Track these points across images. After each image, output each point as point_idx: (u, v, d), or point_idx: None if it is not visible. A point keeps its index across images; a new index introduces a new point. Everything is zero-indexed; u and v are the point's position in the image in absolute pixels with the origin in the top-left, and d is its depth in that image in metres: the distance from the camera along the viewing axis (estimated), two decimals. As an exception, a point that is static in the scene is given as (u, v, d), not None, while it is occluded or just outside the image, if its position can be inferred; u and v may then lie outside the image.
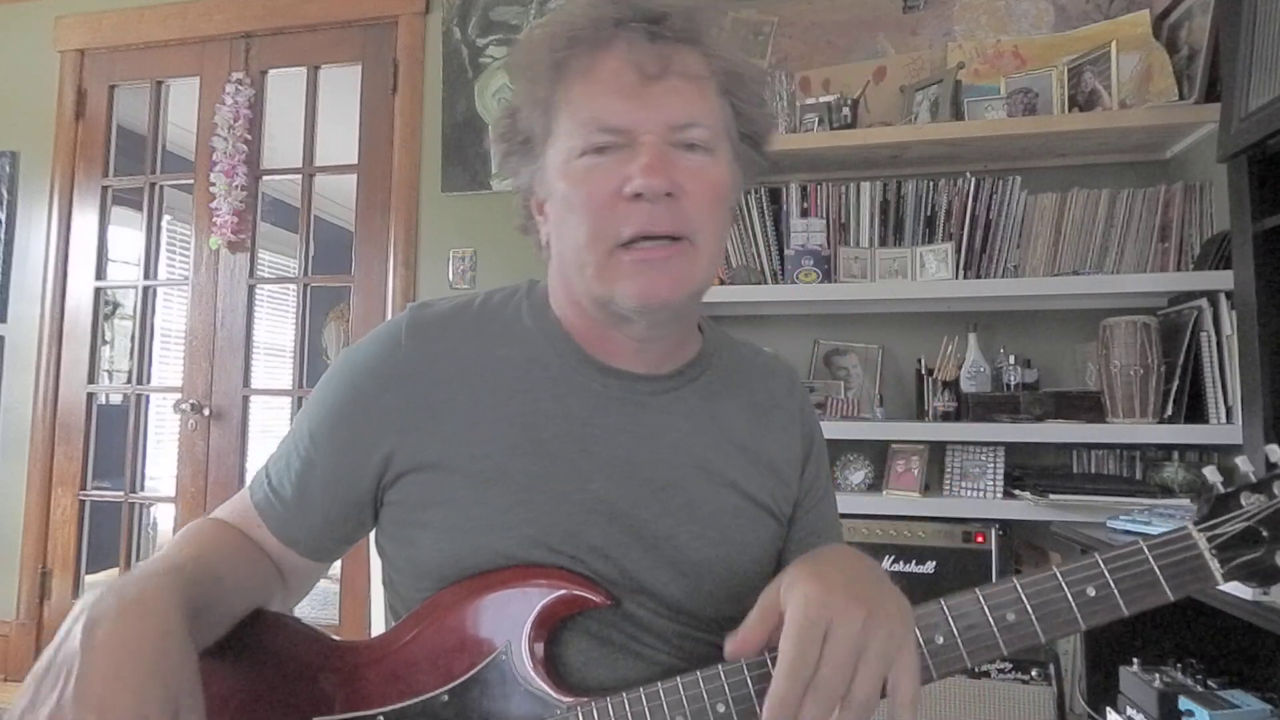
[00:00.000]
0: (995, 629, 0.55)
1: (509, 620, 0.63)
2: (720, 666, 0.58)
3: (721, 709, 0.57)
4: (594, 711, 0.59)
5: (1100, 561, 0.55)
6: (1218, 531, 0.54)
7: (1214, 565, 0.54)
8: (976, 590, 0.57)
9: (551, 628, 0.63)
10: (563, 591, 0.63)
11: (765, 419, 0.77)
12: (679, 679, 0.58)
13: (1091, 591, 0.55)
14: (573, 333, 0.72)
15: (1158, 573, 0.54)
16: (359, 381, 0.70)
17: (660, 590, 0.67)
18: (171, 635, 0.52)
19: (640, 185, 0.61)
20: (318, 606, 2.83)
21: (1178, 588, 0.54)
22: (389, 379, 0.69)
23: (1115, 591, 0.54)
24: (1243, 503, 0.54)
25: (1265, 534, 0.53)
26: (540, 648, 0.62)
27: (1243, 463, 0.57)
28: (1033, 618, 0.55)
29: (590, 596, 0.64)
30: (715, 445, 0.72)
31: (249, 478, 0.75)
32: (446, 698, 0.62)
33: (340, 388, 0.70)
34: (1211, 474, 0.59)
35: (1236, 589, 0.58)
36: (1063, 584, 0.55)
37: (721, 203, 0.67)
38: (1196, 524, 0.55)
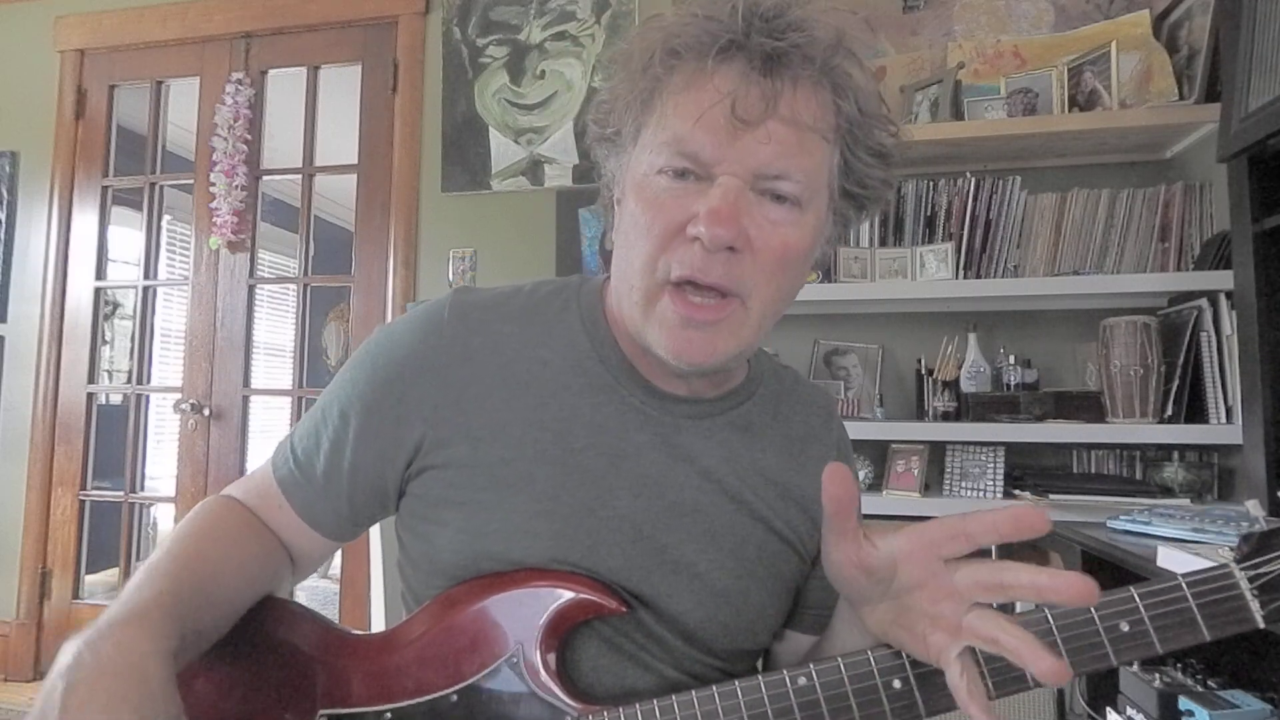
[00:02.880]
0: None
1: (521, 622, 0.61)
2: (736, 683, 0.57)
3: None
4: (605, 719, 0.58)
5: (1136, 596, 0.53)
6: (1260, 571, 0.51)
7: (1255, 606, 0.51)
8: (1003, 618, 0.54)
9: (564, 632, 0.62)
10: (577, 596, 0.62)
11: (800, 454, 0.74)
12: (694, 693, 0.57)
13: (1125, 627, 0.53)
14: (621, 342, 0.69)
15: (1195, 612, 0.52)
16: (396, 365, 0.67)
17: (676, 615, 0.66)
18: (150, 689, 0.50)
19: (701, 232, 0.57)
20: (317, 606, 2.83)
21: (1215, 628, 0.51)
22: (426, 366, 0.66)
23: (1150, 629, 0.52)
24: None
25: None
26: (552, 653, 0.61)
27: (1253, 507, 0.56)
28: (1062, 651, 0.52)
29: (605, 602, 0.62)
30: (746, 477, 0.70)
31: None
32: (455, 698, 0.61)
33: (376, 369, 0.68)
34: (1254, 508, 0.58)
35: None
36: (1095, 617, 0.53)
37: (791, 265, 0.61)
38: (1238, 562, 0.53)
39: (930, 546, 0.51)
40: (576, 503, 0.64)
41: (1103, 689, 1.38)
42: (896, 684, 0.54)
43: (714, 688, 0.56)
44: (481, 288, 0.72)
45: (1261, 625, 0.51)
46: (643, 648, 0.65)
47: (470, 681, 0.61)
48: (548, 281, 0.74)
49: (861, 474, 1.90)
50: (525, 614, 0.62)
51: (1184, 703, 1.13)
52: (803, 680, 0.55)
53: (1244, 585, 0.52)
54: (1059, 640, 0.53)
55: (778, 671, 0.56)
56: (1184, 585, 0.52)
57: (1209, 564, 0.53)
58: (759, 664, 0.77)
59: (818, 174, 0.61)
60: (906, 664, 0.55)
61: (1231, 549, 0.54)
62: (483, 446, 0.65)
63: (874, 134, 0.63)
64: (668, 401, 0.68)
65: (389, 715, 0.62)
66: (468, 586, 0.64)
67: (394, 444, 0.67)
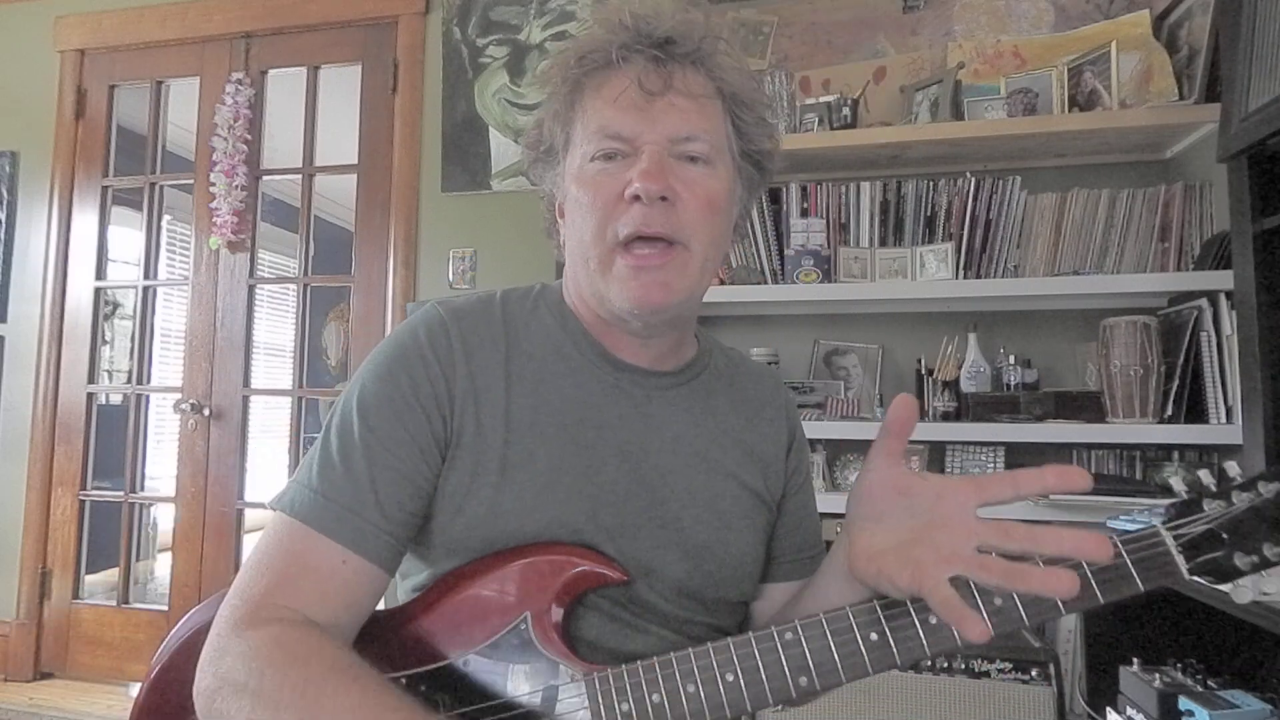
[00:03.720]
0: (984, 611, 0.58)
1: (530, 592, 0.66)
2: (729, 640, 0.61)
3: (730, 678, 0.60)
4: (609, 678, 0.62)
5: None
6: (1183, 532, 0.60)
7: (1180, 561, 0.59)
8: (966, 575, 0.59)
9: (569, 601, 0.67)
10: (582, 567, 0.67)
11: (755, 415, 0.83)
12: (691, 650, 0.62)
13: None
14: (588, 328, 0.76)
15: (1131, 567, 0.59)
16: (420, 366, 0.70)
17: (666, 571, 0.72)
18: None
19: (637, 188, 0.67)
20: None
21: (1148, 579, 0.59)
22: (442, 363, 0.71)
23: (1092, 581, 0.58)
24: (1205, 508, 0.61)
25: (1225, 536, 0.59)
26: (559, 618, 0.65)
27: (1204, 475, 0.63)
28: (1017, 602, 0.58)
29: (607, 573, 0.68)
30: (713, 438, 0.78)
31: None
32: (466, 663, 0.65)
33: (396, 377, 0.70)
34: (1177, 484, 0.67)
35: (1237, 590, 0.61)
36: None
37: (717, 212, 0.71)
38: (1164, 524, 0.61)
39: (980, 490, 0.59)
40: (574, 473, 0.70)
41: (1103, 689, 1.38)
42: (874, 636, 0.60)
43: (709, 645, 0.62)
44: (456, 298, 0.78)
45: (1186, 576, 0.60)
46: (639, 615, 0.71)
47: (480, 648, 0.65)
48: (511, 290, 0.81)
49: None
50: (533, 584, 0.66)
51: (1184, 703, 1.13)
52: (789, 635, 0.61)
53: (1170, 543, 0.60)
54: (1014, 591, 0.58)
55: (766, 629, 0.62)
56: (1119, 544, 0.60)
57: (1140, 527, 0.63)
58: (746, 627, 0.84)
59: (718, 134, 0.72)
60: (881, 618, 0.60)
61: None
62: (488, 434, 0.70)
63: (752, 99, 0.74)
64: (637, 375, 0.76)
65: (404, 681, 0.65)
66: (477, 562, 0.68)
67: (430, 439, 0.69)
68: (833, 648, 0.60)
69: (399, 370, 0.70)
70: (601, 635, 0.69)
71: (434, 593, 0.68)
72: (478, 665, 0.64)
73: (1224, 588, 0.60)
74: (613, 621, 0.70)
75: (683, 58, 0.71)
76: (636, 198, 0.67)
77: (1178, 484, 0.66)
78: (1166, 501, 1.61)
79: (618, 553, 0.70)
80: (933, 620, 0.59)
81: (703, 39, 0.72)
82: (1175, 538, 0.60)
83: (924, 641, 0.59)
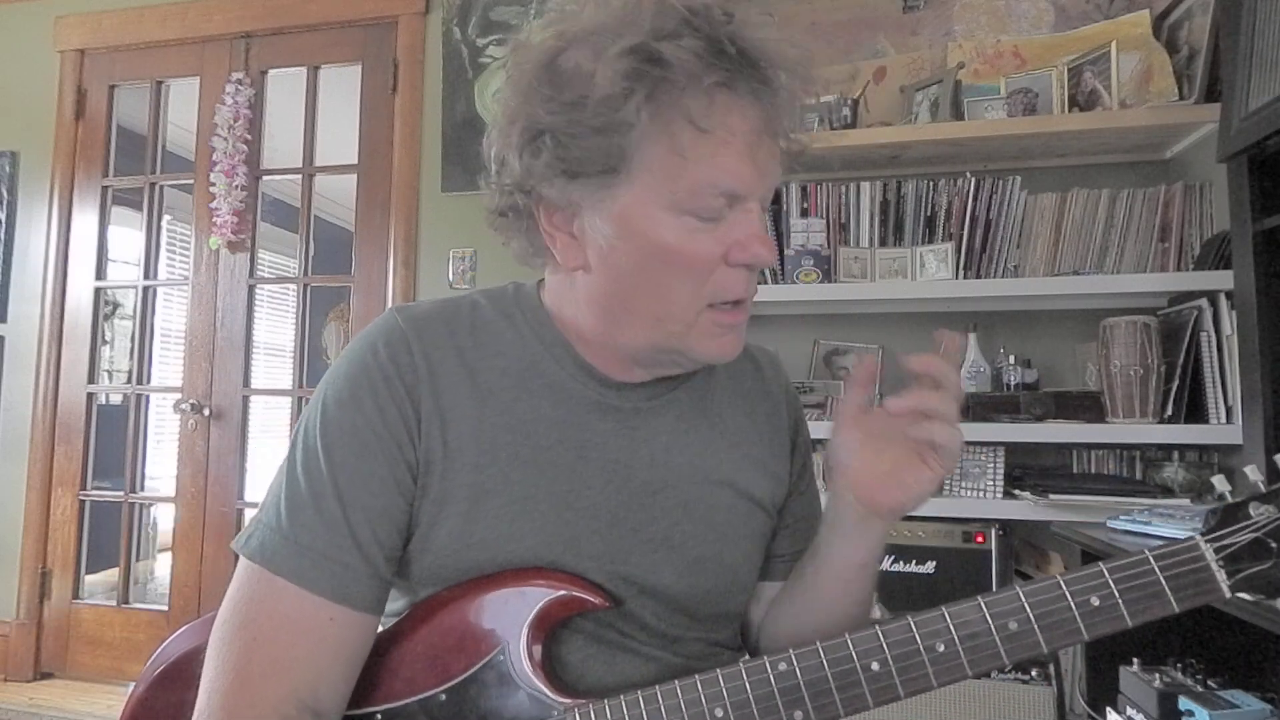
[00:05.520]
0: (997, 638, 0.55)
1: (508, 620, 0.63)
2: (719, 671, 0.58)
3: (719, 713, 0.57)
4: (591, 713, 0.59)
5: (1105, 571, 0.54)
6: (1225, 543, 0.53)
7: (1221, 577, 0.52)
8: (979, 598, 0.56)
9: (550, 628, 0.63)
10: (562, 593, 0.63)
11: (753, 411, 0.78)
12: (677, 683, 0.58)
13: (1095, 601, 0.54)
14: (573, 342, 0.70)
15: (1163, 583, 0.53)
16: (381, 390, 0.65)
17: (661, 591, 0.68)
18: None
19: (755, 258, 0.63)
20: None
21: (1183, 600, 0.53)
22: (405, 384, 0.65)
23: (1120, 602, 0.53)
24: (1251, 513, 0.53)
25: (1275, 545, 0.51)
26: (539, 648, 0.62)
27: (1251, 471, 0.55)
28: (1035, 627, 0.54)
29: (589, 598, 0.64)
30: (708, 443, 0.73)
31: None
32: (444, 697, 0.62)
33: (360, 404, 0.64)
34: (1220, 483, 0.59)
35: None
36: (1066, 593, 0.55)
37: None
38: (1204, 534, 0.54)
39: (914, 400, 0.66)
40: (553, 498, 0.66)
41: (1103, 689, 1.38)
42: (875, 666, 0.56)
43: (696, 677, 0.58)
44: (418, 303, 0.72)
45: (1228, 595, 0.52)
46: (628, 635, 0.67)
47: (458, 680, 0.62)
48: (482, 292, 0.75)
49: (861, 474, 1.90)
50: (511, 613, 0.63)
51: (1184, 703, 1.13)
52: (783, 666, 0.57)
53: (1210, 557, 0.53)
54: (1031, 616, 0.55)
55: (759, 658, 0.58)
56: (1151, 559, 0.54)
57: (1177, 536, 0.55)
58: (740, 636, 0.80)
59: None
60: (884, 646, 0.56)
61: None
62: (458, 458, 0.65)
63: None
64: (623, 389, 0.71)
65: (379, 716, 0.63)
66: (454, 589, 0.65)
67: (404, 468, 0.65)
68: (830, 679, 0.56)
69: (363, 394, 0.64)
70: (586, 659, 0.66)
71: (409, 622, 0.65)
72: (454, 700, 0.61)
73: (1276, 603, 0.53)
74: (599, 644, 0.66)
75: (780, 89, 0.61)
76: (747, 265, 0.63)
77: (1221, 484, 0.59)
78: (1166, 502, 1.61)
79: (605, 578, 0.66)
80: (940, 648, 0.56)
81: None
82: (1216, 550, 0.52)
83: (930, 671, 0.56)
